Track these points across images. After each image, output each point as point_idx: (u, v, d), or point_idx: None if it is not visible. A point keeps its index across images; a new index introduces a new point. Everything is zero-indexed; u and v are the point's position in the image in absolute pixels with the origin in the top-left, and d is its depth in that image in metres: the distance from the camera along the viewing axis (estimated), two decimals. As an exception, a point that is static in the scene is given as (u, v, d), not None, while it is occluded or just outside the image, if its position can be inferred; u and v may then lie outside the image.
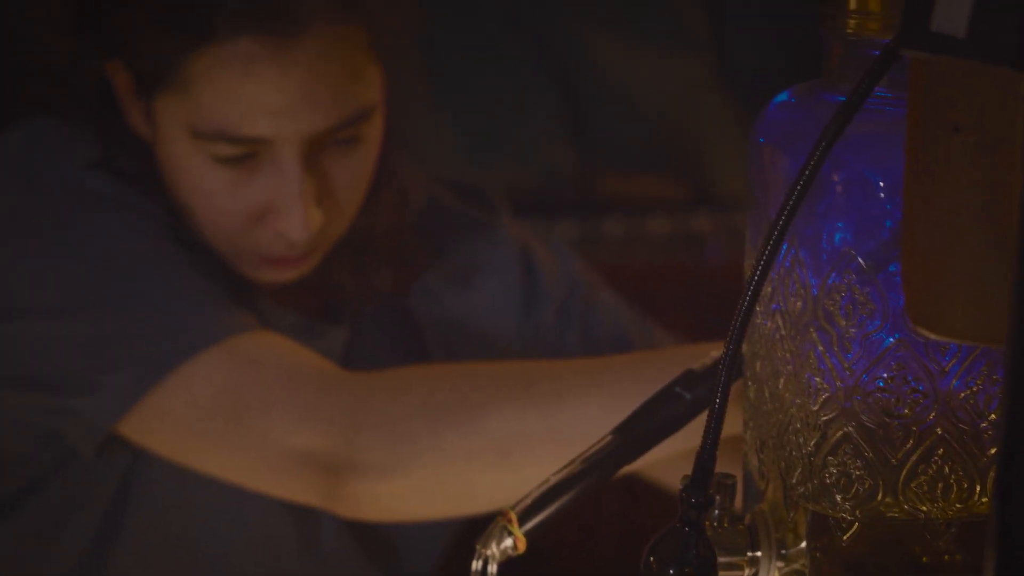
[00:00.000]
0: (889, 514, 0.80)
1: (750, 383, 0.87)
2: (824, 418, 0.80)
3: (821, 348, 0.80)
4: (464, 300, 1.45)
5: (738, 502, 0.86)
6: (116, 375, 1.23)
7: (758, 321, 0.84)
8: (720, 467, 0.79)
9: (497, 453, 1.17)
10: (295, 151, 1.25)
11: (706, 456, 0.78)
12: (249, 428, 1.21)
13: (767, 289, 0.83)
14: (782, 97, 0.88)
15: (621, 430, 0.93)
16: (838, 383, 0.80)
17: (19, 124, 1.35)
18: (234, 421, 1.22)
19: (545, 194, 2.69)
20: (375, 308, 1.43)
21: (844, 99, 0.75)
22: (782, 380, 0.82)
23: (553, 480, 0.88)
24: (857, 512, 0.80)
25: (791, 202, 0.78)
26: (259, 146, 1.25)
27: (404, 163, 1.48)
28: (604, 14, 2.66)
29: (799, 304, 0.81)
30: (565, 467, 0.89)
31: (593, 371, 1.19)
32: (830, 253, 0.80)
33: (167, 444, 1.25)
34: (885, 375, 0.79)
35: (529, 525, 0.86)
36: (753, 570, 0.84)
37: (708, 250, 2.58)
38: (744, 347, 0.87)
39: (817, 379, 0.80)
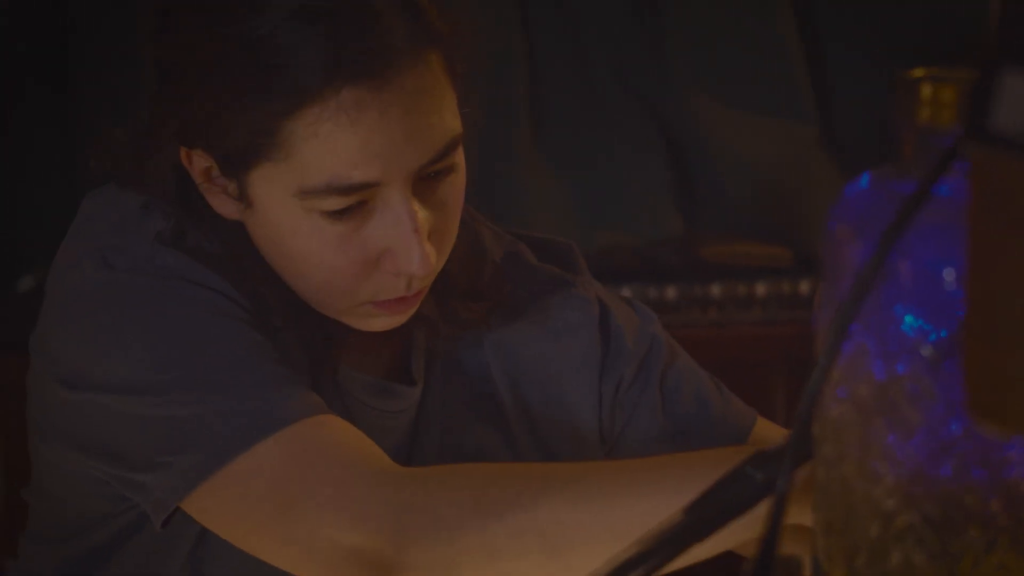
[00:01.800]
0: (953, 602, 0.80)
1: (819, 465, 0.87)
2: (888, 505, 0.81)
3: (886, 436, 0.81)
4: (541, 357, 1.44)
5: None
6: (179, 457, 1.23)
7: (826, 405, 0.85)
8: (793, 550, 0.80)
9: (547, 551, 1.16)
10: (403, 189, 1.25)
11: (771, 537, 0.78)
12: (299, 522, 1.21)
13: (835, 375, 0.83)
14: (858, 182, 0.88)
15: (690, 510, 0.93)
16: (902, 471, 0.80)
17: (93, 193, 1.35)
18: (284, 514, 1.22)
19: (650, 256, 2.69)
20: (450, 362, 1.42)
21: (912, 189, 0.76)
22: (848, 465, 0.83)
23: (619, 559, 0.89)
24: (921, 599, 0.81)
25: (859, 289, 0.79)
26: (369, 192, 1.25)
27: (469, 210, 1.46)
28: (712, 79, 2.67)
29: (865, 391, 0.81)
30: (632, 546, 0.90)
31: (647, 469, 1.19)
32: (897, 342, 0.80)
33: (223, 527, 1.26)
34: (949, 464, 0.79)
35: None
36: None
37: (814, 315, 2.57)
38: (815, 428, 0.87)
39: (882, 467, 0.81)
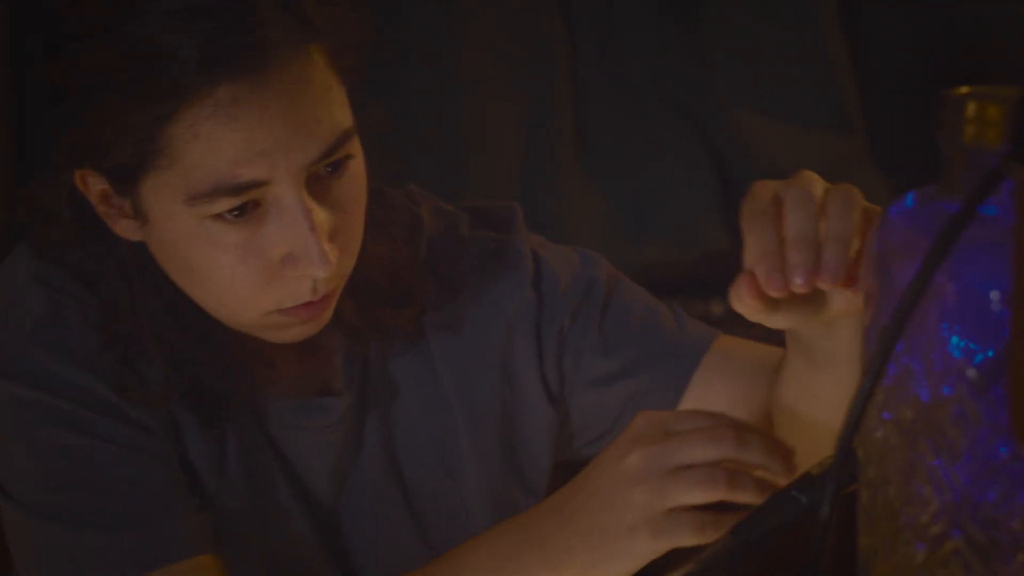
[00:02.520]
0: (1000, 628, 0.79)
1: (864, 488, 0.86)
2: (934, 530, 0.80)
3: (931, 459, 0.80)
4: (482, 333, 1.42)
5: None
6: None
7: (870, 427, 0.84)
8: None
9: None
10: (295, 188, 1.22)
11: (816, 558, 0.78)
12: None
13: (879, 397, 0.82)
14: (901, 202, 0.87)
15: (737, 531, 0.92)
16: (948, 495, 0.79)
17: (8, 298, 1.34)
18: None
19: (695, 270, 2.68)
20: (389, 364, 1.41)
21: (957, 209, 0.75)
22: (893, 488, 0.82)
23: (666, 581, 0.88)
24: (967, 624, 0.80)
25: (903, 309, 0.78)
26: (259, 192, 1.22)
27: (413, 194, 1.45)
28: (756, 92, 2.66)
29: (910, 414, 0.81)
30: (681, 569, 0.89)
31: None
32: (942, 364, 0.79)
33: None
34: (995, 489, 0.78)
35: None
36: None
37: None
38: (859, 451, 0.86)
39: (927, 490, 0.80)
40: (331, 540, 1.40)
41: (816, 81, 2.64)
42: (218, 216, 1.22)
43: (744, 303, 1.13)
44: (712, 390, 1.40)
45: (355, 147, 1.27)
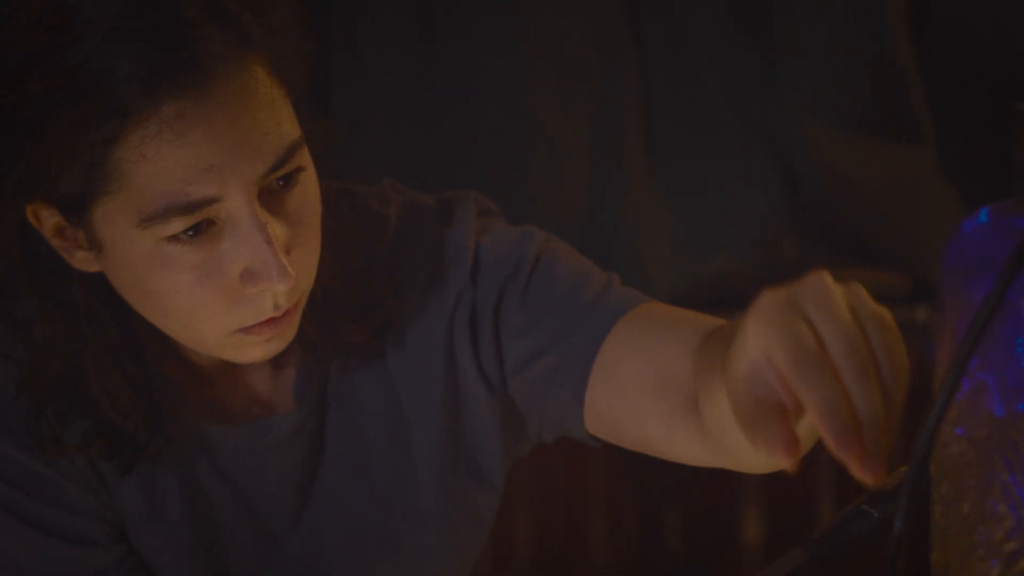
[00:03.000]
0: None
1: (937, 504, 0.86)
2: (1008, 547, 0.79)
3: (1005, 476, 0.79)
4: (425, 327, 1.40)
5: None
6: None
7: (944, 443, 0.84)
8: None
9: None
10: (247, 202, 1.21)
11: (889, 574, 0.78)
12: None
13: (952, 412, 0.82)
14: (976, 216, 0.87)
15: (808, 545, 0.92)
16: (1022, 512, 0.79)
17: None
18: None
19: (764, 283, 2.67)
20: (346, 376, 1.40)
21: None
22: (966, 505, 0.82)
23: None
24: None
25: (977, 325, 0.78)
26: (212, 209, 1.21)
27: (384, 193, 1.43)
28: (826, 104, 2.65)
29: (984, 430, 0.80)
30: (758, 578, 0.89)
31: None
32: (1016, 380, 0.79)
33: None
34: (1071, 506, 0.78)
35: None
36: None
37: (927, 344, 2.54)
38: (932, 467, 0.86)
39: (1001, 507, 0.79)
40: (298, 556, 1.41)
41: (885, 91, 2.63)
42: (173, 238, 1.21)
43: (774, 457, 0.88)
44: (623, 362, 1.31)
45: (306, 159, 1.26)
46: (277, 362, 1.37)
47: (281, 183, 1.24)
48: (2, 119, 1.23)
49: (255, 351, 1.29)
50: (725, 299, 2.61)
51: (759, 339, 0.90)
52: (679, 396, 1.24)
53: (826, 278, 0.92)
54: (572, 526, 2.59)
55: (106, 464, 1.34)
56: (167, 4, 1.17)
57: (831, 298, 0.90)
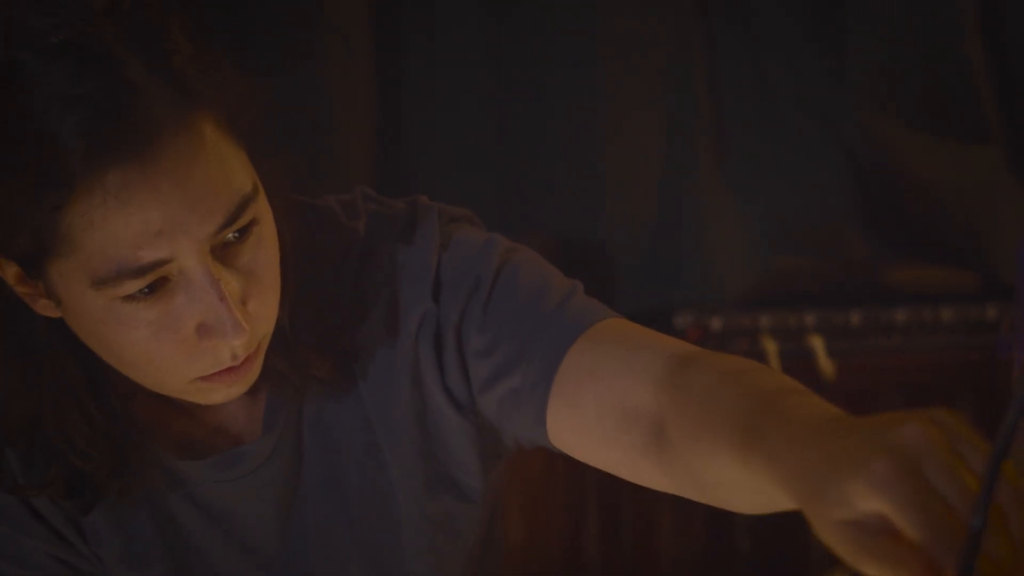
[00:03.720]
0: None
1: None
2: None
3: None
4: (391, 346, 1.38)
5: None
6: None
7: (1022, 440, 0.84)
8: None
9: None
10: (199, 260, 1.20)
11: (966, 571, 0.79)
12: None
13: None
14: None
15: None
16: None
17: None
18: None
19: (834, 281, 2.67)
20: (318, 402, 1.39)
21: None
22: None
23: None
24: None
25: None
26: (164, 269, 1.19)
27: (354, 204, 1.40)
28: (897, 103, 2.65)
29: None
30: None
31: None
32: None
33: None
34: None
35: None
36: None
37: (999, 342, 2.53)
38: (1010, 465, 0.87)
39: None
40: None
41: (956, 90, 2.62)
42: (128, 296, 1.20)
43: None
44: (583, 388, 1.28)
45: (260, 210, 1.24)
46: (246, 394, 1.34)
47: (235, 236, 1.22)
48: None
49: (217, 395, 1.28)
50: (794, 295, 2.61)
51: (881, 505, 0.89)
52: (639, 427, 1.22)
53: (934, 434, 0.89)
54: (640, 524, 2.60)
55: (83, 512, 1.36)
56: (111, 67, 1.16)
57: (949, 462, 0.88)
